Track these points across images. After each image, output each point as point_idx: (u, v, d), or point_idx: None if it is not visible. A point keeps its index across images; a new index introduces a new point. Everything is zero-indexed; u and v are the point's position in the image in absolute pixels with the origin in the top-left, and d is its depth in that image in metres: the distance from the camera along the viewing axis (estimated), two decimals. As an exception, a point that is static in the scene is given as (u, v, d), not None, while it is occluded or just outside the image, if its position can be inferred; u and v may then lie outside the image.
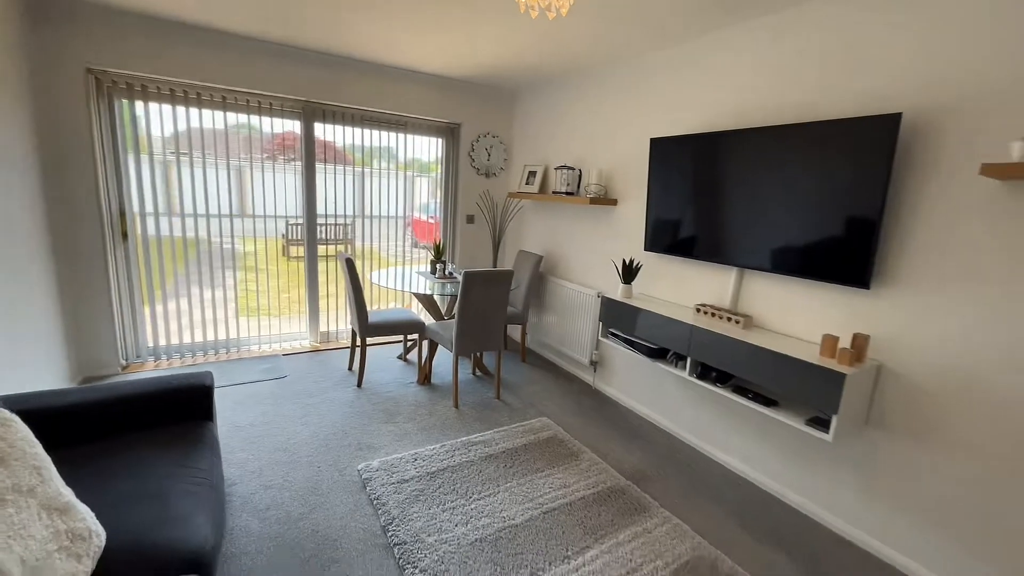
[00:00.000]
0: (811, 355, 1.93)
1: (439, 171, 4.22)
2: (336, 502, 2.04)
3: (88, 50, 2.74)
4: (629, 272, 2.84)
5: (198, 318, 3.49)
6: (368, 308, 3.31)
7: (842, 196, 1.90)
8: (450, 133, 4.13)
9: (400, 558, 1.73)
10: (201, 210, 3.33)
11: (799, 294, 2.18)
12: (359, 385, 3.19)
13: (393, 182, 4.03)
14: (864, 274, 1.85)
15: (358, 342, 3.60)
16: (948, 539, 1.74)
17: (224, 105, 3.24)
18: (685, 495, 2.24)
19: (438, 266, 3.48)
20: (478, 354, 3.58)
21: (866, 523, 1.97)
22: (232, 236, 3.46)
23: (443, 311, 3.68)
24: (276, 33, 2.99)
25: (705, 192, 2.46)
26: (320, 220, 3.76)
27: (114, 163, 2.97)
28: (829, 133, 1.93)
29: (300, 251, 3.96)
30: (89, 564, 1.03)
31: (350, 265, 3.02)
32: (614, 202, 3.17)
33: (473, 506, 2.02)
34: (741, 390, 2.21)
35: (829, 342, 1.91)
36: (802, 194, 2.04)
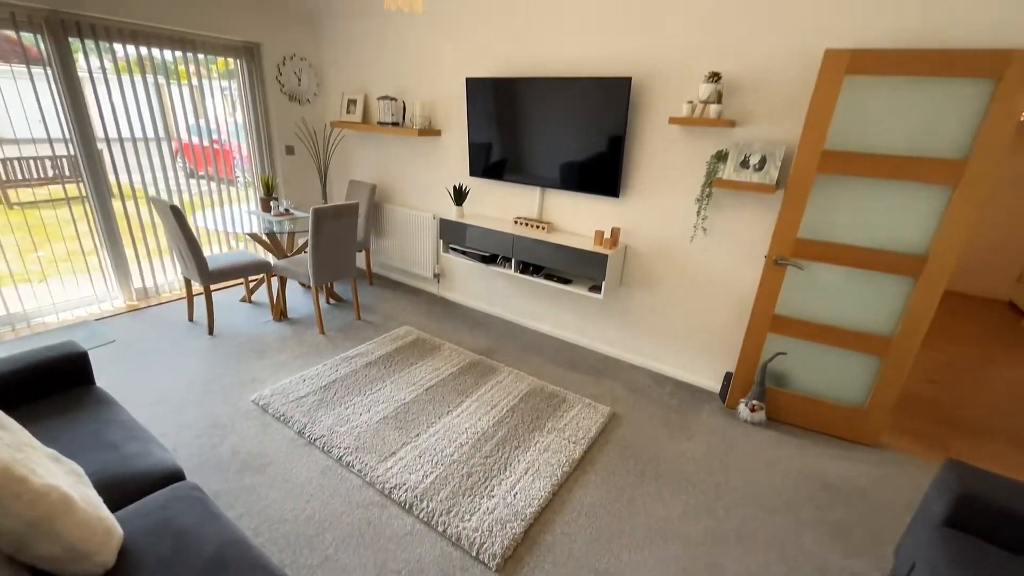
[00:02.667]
0: (588, 245, 2.88)
1: (229, 74, 3.89)
2: (243, 428, 2.32)
3: None
4: (460, 195, 3.41)
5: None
6: (202, 255, 3.18)
7: (601, 132, 2.76)
8: (249, 54, 3.79)
9: (323, 447, 2.20)
10: None
11: (580, 204, 3.09)
12: (211, 333, 3.18)
13: (135, 91, 3.26)
14: (615, 187, 2.81)
15: (196, 290, 3.46)
16: (661, 340, 3.02)
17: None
18: (519, 355, 3.16)
19: (272, 203, 3.47)
20: (329, 284, 3.81)
21: (622, 345, 3.19)
22: None
23: (285, 249, 3.72)
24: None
25: (511, 126, 3.11)
26: (33, 151, 2.86)
27: None
28: (590, 86, 2.71)
29: (29, 195, 3.25)
30: (94, 492, 1.27)
31: (177, 213, 2.85)
32: (438, 132, 3.60)
33: (369, 399, 2.54)
34: (549, 276, 3.12)
35: (598, 235, 2.88)
36: (576, 130, 2.85)
